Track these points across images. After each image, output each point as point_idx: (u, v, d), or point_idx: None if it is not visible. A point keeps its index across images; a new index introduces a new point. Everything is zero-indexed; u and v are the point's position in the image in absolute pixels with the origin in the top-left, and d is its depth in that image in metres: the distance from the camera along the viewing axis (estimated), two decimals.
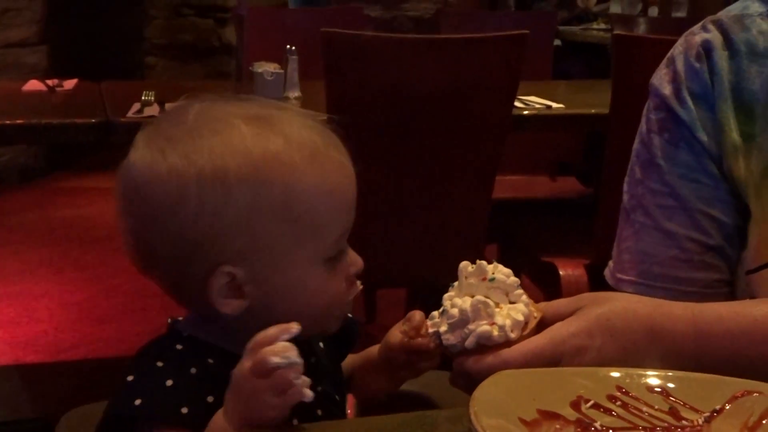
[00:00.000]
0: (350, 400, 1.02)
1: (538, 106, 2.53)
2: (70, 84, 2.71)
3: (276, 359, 0.80)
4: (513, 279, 0.91)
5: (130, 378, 0.90)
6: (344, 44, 2.15)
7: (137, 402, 0.87)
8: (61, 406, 1.18)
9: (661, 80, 1.14)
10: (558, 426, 0.76)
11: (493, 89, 2.23)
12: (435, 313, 0.92)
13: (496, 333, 0.86)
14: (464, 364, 0.87)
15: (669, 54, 1.15)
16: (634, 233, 1.15)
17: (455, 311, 0.89)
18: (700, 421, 0.78)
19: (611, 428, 0.76)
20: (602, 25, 5.12)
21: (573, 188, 3.37)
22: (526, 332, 0.88)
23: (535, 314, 0.90)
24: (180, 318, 0.97)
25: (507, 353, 0.86)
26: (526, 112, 2.47)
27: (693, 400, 0.80)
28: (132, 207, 0.92)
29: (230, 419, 0.83)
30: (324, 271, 0.92)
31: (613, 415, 0.78)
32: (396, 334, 1.00)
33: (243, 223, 0.88)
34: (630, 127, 2.43)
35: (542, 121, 2.52)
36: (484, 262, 0.92)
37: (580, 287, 2.34)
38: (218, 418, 0.85)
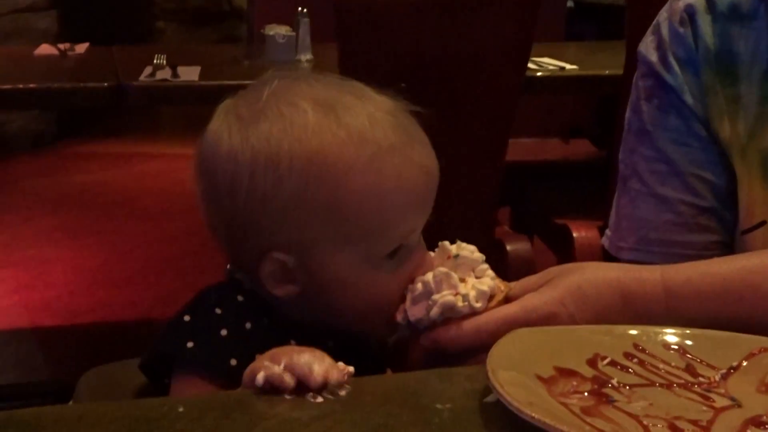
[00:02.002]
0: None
1: (551, 67, 2.52)
2: (81, 48, 2.70)
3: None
4: (478, 255, 0.91)
5: (186, 318, 0.90)
6: (356, 7, 2.13)
7: (189, 344, 0.88)
8: (76, 369, 1.18)
9: (647, 47, 1.14)
10: (575, 383, 0.76)
11: (506, 51, 2.21)
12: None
13: (460, 303, 0.87)
14: (432, 336, 0.88)
15: (654, 21, 1.16)
16: (630, 201, 1.15)
17: (419, 285, 0.89)
18: (717, 378, 0.78)
19: (628, 385, 0.77)
20: None
21: (586, 151, 3.36)
22: (492, 304, 0.88)
23: (502, 288, 0.90)
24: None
25: (477, 320, 0.87)
26: (539, 74, 2.46)
27: (710, 357, 0.80)
28: (199, 176, 0.93)
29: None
30: (380, 270, 0.89)
31: (629, 372, 0.79)
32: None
33: (290, 215, 0.87)
34: None
35: (555, 82, 2.51)
36: (446, 242, 0.93)
37: (593, 249, 2.34)
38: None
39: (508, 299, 0.90)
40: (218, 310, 0.90)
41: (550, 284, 0.89)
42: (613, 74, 2.45)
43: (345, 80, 0.95)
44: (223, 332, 0.89)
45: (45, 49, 2.72)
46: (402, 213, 0.89)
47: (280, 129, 0.87)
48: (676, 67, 1.11)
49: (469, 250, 0.91)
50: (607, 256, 1.20)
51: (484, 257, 0.92)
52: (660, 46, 1.12)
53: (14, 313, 3.17)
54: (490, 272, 0.91)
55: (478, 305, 0.87)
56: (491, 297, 0.89)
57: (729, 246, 1.12)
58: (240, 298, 0.92)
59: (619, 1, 4.51)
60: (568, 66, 2.54)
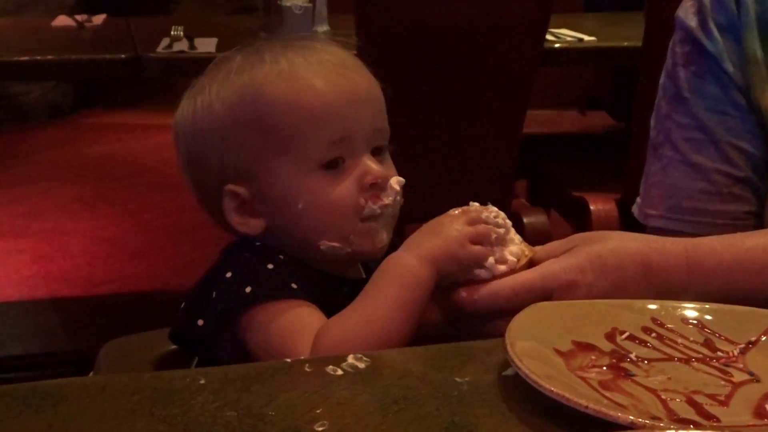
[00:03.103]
0: None
1: (569, 39, 2.50)
2: (98, 19, 2.70)
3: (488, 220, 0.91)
4: (505, 219, 0.92)
5: (228, 274, 0.93)
6: None
7: (247, 290, 0.91)
8: (95, 339, 1.20)
9: (686, 12, 1.13)
10: (593, 357, 0.76)
11: (525, 22, 2.20)
12: None
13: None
14: (451, 296, 0.89)
15: None
16: (662, 168, 1.14)
17: None
18: (735, 353, 0.78)
19: (646, 359, 0.77)
20: None
21: (603, 123, 3.35)
22: (517, 268, 0.89)
23: (527, 252, 0.91)
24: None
25: (496, 284, 0.88)
26: (557, 45, 2.44)
27: (728, 332, 0.80)
28: (175, 148, 1.02)
29: (417, 253, 0.89)
30: (322, 178, 0.94)
31: (648, 347, 0.79)
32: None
33: (227, 141, 0.96)
34: (663, 60, 2.39)
35: (574, 54, 2.50)
36: (475, 204, 0.94)
37: (611, 222, 2.33)
38: (401, 259, 0.90)
39: (532, 264, 0.90)
40: (247, 254, 0.96)
41: (572, 252, 0.89)
42: (632, 46, 2.44)
43: (305, 36, 1.03)
44: (270, 266, 0.94)
45: (62, 20, 2.72)
46: (321, 118, 0.94)
47: (226, 78, 0.98)
48: (716, 34, 1.09)
49: (496, 213, 0.92)
50: (625, 228, 1.19)
51: (510, 222, 0.93)
52: (700, 12, 1.11)
53: (33, 283, 3.19)
54: (517, 236, 0.92)
55: (501, 268, 0.88)
56: (516, 262, 0.89)
57: (760, 216, 1.12)
58: (257, 244, 0.98)
59: None
60: (586, 37, 2.52)
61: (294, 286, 0.92)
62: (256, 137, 0.95)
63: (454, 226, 0.91)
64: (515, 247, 0.90)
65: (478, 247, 0.90)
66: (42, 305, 3.05)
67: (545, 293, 0.86)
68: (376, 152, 0.98)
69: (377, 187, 0.95)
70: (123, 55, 2.23)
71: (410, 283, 0.88)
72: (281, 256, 0.95)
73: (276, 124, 0.95)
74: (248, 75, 0.96)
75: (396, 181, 0.96)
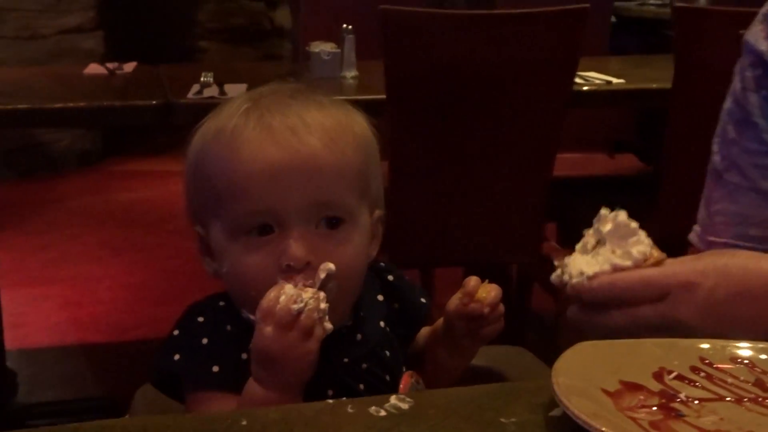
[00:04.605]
0: (405, 380, 1.01)
1: (597, 81, 2.50)
2: (129, 67, 2.73)
3: (296, 306, 0.85)
4: (633, 223, 0.90)
5: (175, 332, 0.96)
6: (402, 20, 2.14)
7: (176, 357, 0.94)
8: (125, 384, 1.20)
9: (756, 36, 1.10)
10: (641, 397, 0.75)
11: (553, 65, 2.20)
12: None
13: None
14: (574, 285, 0.88)
15: (763, 10, 1.11)
16: (728, 194, 1.11)
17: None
18: None
19: (696, 399, 0.75)
20: (653, 0, 5.05)
21: (631, 165, 3.32)
22: (642, 266, 0.88)
23: (656, 254, 0.89)
24: None
25: (616, 274, 0.87)
26: (585, 88, 2.44)
27: None
28: None
29: (270, 386, 0.87)
30: (246, 245, 0.92)
31: (697, 387, 0.77)
32: (453, 301, 1.00)
33: (187, 180, 0.98)
34: (693, 102, 2.40)
35: (603, 96, 2.49)
36: (606, 210, 0.92)
37: None
38: (256, 389, 0.87)
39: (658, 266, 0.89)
40: (200, 319, 0.96)
41: (698, 257, 0.88)
42: (661, 87, 2.43)
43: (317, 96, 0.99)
44: (204, 341, 0.94)
45: (93, 68, 2.75)
46: (241, 187, 0.92)
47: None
48: None
49: (625, 216, 0.91)
50: None
51: (637, 224, 0.91)
52: None
53: (62, 329, 3.20)
54: (647, 239, 0.90)
55: (626, 263, 0.88)
56: (644, 261, 0.88)
57: None
58: (221, 303, 0.97)
59: (662, 15, 4.48)
60: (614, 80, 2.52)
61: (215, 369, 0.92)
62: (199, 188, 0.97)
63: (275, 346, 0.85)
64: (642, 247, 0.89)
65: (309, 343, 0.86)
66: (71, 351, 3.05)
67: (663, 290, 0.85)
68: (326, 224, 0.93)
69: (293, 270, 0.90)
70: (154, 102, 2.25)
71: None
72: (229, 327, 0.94)
73: (206, 183, 0.95)
74: (211, 122, 0.97)
75: (324, 268, 0.90)
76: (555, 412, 0.73)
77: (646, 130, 3.45)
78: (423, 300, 1.09)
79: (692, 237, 1.17)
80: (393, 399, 0.76)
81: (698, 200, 1.24)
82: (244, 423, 0.73)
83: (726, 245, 1.11)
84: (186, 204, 1.01)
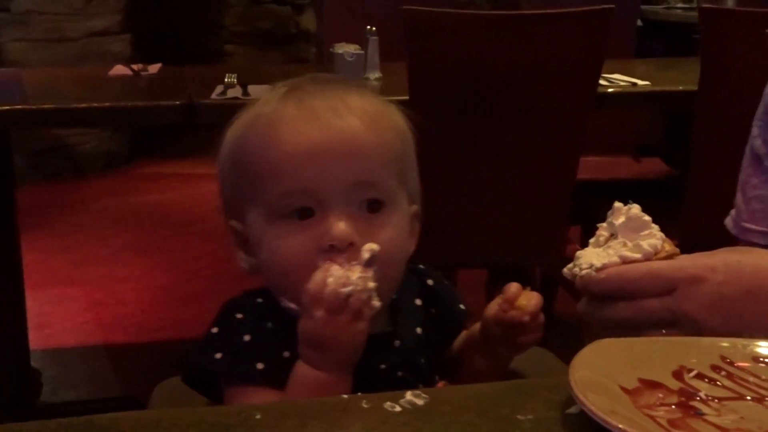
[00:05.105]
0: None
1: (623, 83, 2.48)
2: (154, 68, 2.75)
3: (345, 290, 0.84)
4: (646, 216, 0.90)
5: (214, 330, 0.94)
6: (425, 21, 2.13)
7: (217, 356, 0.92)
8: (148, 385, 1.20)
9: None
10: (660, 395, 0.74)
11: (577, 66, 2.19)
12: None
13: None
14: (583, 276, 0.87)
15: None
16: (766, 181, 1.09)
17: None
18: None
19: (716, 398, 0.74)
20: (680, 3, 5.02)
21: (657, 169, 3.30)
22: (653, 259, 0.87)
23: (668, 248, 0.88)
24: None
25: (624, 266, 0.86)
26: (610, 90, 2.42)
27: None
28: None
29: (321, 367, 0.86)
30: (284, 229, 0.90)
31: (718, 385, 0.76)
32: (492, 307, 0.99)
33: (223, 173, 0.97)
34: (719, 104, 2.37)
35: (628, 98, 2.47)
36: (620, 203, 0.91)
37: None
38: (306, 370, 0.87)
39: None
40: (239, 316, 0.94)
41: (711, 253, 0.86)
42: (687, 90, 2.41)
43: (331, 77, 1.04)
44: (246, 338, 0.92)
45: (119, 69, 2.76)
46: (279, 167, 0.90)
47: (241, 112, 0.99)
48: None
49: (638, 209, 0.90)
50: None
51: (650, 218, 0.90)
52: None
53: (87, 330, 3.22)
54: (659, 233, 0.89)
55: (636, 256, 0.86)
56: (654, 254, 0.87)
57: None
58: (259, 300, 0.96)
59: (689, 19, 4.45)
60: (639, 82, 2.50)
61: (260, 366, 0.90)
62: (236, 177, 0.95)
63: (327, 330, 0.85)
64: (653, 240, 0.88)
65: (360, 324, 0.86)
66: (94, 351, 3.07)
67: (670, 283, 0.84)
68: (367, 207, 0.92)
69: (336, 250, 0.88)
70: (177, 102, 2.26)
71: (327, 390, 0.86)
72: (270, 324, 0.93)
73: (245, 168, 0.94)
74: (246, 113, 0.97)
75: (368, 248, 0.88)
76: (572, 410, 0.72)
77: (673, 134, 3.43)
78: (462, 307, 1.07)
79: (728, 221, 1.14)
80: (408, 395, 0.75)
81: (724, 204, 1.22)
82: (259, 417, 0.72)
83: (764, 234, 1.08)
84: (220, 200, 0.99)
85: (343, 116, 0.91)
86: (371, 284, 0.86)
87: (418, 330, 1.01)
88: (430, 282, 1.06)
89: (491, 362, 1.02)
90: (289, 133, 0.91)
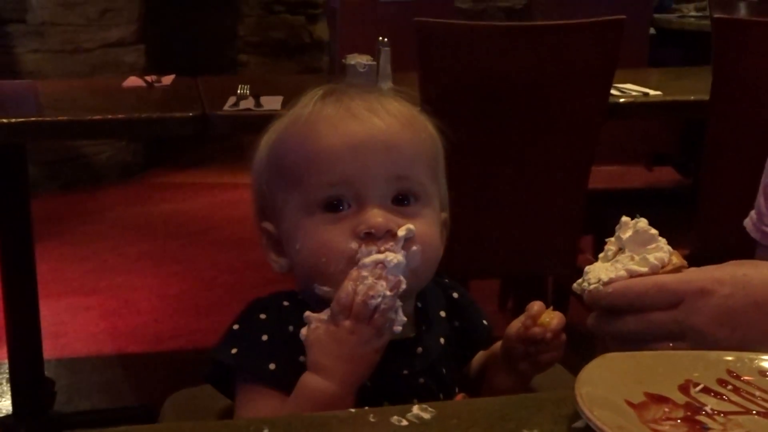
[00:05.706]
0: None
1: (634, 93, 2.48)
2: (167, 79, 2.76)
3: (373, 301, 0.85)
4: (653, 230, 0.90)
5: (235, 327, 0.96)
6: (437, 33, 2.14)
7: (234, 351, 0.94)
8: (162, 394, 1.20)
9: None
10: (666, 409, 0.74)
11: (589, 76, 2.19)
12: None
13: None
14: (590, 291, 0.88)
15: None
16: None
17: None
18: None
19: (722, 412, 0.74)
20: (693, 12, 5.02)
21: (670, 178, 3.30)
22: (660, 272, 0.87)
23: (675, 261, 0.89)
24: None
25: (631, 280, 0.86)
26: (622, 100, 2.42)
27: None
28: None
29: (332, 378, 0.87)
30: (320, 220, 0.93)
31: (724, 400, 0.76)
32: (515, 324, 0.99)
33: (260, 174, 1.00)
34: (732, 113, 2.37)
35: (639, 108, 2.47)
36: (627, 218, 0.92)
37: None
38: (314, 381, 0.87)
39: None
40: (262, 316, 0.96)
41: (718, 266, 0.87)
42: (698, 99, 2.40)
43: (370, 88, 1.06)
44: (264, 337, 0.94)
45: (132, 80, 2.78)
46: (319, 159, 0.94)
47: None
48: None
49: (645, 223, 0.90)
50: None
51: (657, 231, 0.90)
52: None
53: (101, 339, 3.23)
54: (667, 246, 0.90)
55: (642, 270, 0.87)
56: (661, 267, 0.88)
57: None
58: (286, 303, 0.97)
59: (703, 27, 4.45)
60: (651, 92, 2.50)
61: (272, 366, 0.92)
62: (273, 176, 0.98)
63: (352, 338, 0.87)
64: (660, 253, 0.88)
65: (380, 340, 0.88)
66: (109, 361, 3.08)
67: (677, 296, 0.84)
68: (402, 200, 0.95)
69: (373, 237, 0.91)
70: (191, 113, 2.27)
71: (330, 405, 0.86)
72: (291, 328, 0.93)
73: (284, 164, 0.97)
74: (283, 118, 1.00)
75: (404, 229, 0.91)
76: (578, 424, 0.72)
77: (687, 144, 3.42)
78: (485, 323, 1.08)
79: (747, 223, 1.14)
80: (415, 409, 0.76)
81: (737, 213, 1.21)
82: (266, 431, 0.73)
83: None
84: (254, 204, 1.02)
85: (381, 115, 0.96)
86: (398, 303, 0.88)
87: (441, 340, 1.02)
88: (455, 295, 1.07)
89: (513, 380, 1.03)
90: (328, 128, 0.95)
